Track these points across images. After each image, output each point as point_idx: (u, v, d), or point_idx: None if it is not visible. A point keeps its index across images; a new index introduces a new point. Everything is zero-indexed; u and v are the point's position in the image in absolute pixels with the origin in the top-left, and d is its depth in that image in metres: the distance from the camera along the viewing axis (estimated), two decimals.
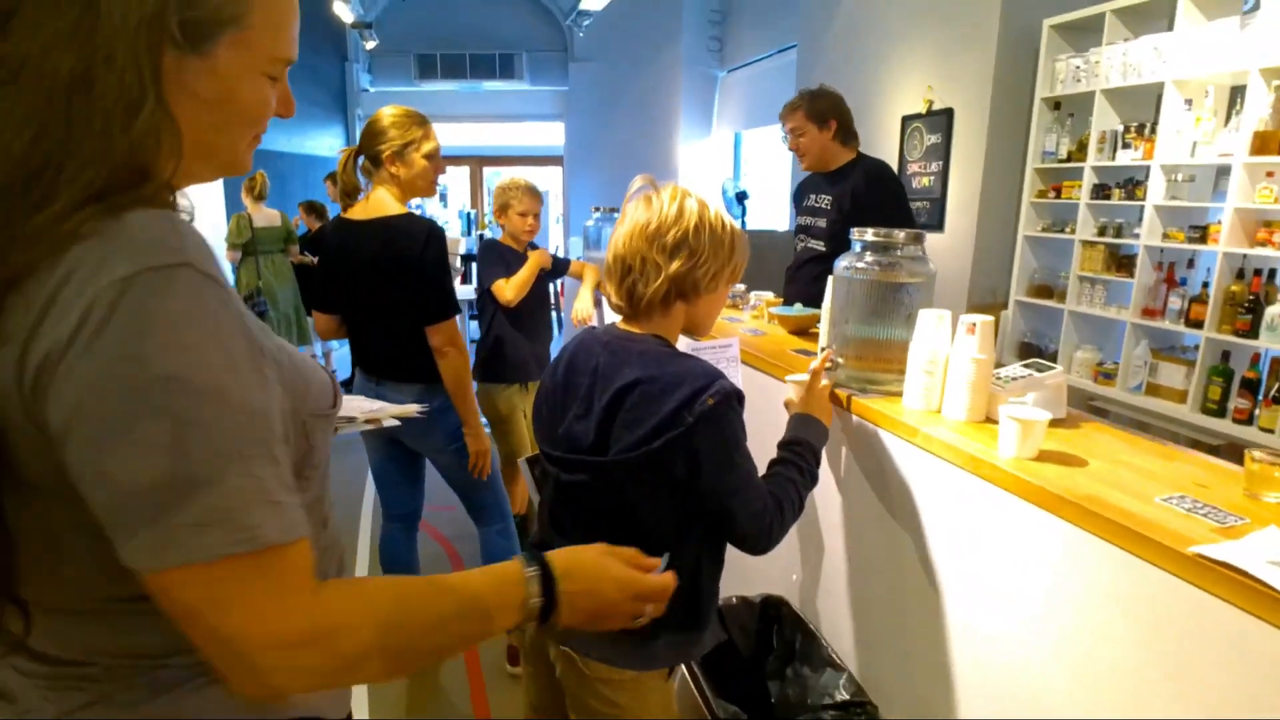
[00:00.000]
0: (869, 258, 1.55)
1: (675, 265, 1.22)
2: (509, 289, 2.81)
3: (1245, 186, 3.42)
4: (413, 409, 1.47)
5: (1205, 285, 3.69)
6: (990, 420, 1.38)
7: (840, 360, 1.58)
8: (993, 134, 4.61)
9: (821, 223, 2.69)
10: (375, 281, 2.07)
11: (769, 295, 2.64)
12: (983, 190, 4.70)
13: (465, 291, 5.16)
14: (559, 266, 3.11)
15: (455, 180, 10.08)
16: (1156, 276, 3.95)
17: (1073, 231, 4.29)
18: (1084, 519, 1.03)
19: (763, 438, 1.55)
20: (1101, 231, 4.17)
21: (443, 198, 9.73)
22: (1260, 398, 3.51)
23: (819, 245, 2.71)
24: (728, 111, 8.64)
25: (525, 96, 9.48)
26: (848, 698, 1.53)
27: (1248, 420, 3.55)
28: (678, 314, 1.29)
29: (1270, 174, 3.36)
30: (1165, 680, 0.95)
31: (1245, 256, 3.53)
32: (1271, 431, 3.42)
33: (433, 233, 2.04)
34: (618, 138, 8.83)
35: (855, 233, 1.57)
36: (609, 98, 8.85)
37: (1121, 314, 4.08)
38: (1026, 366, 1.43)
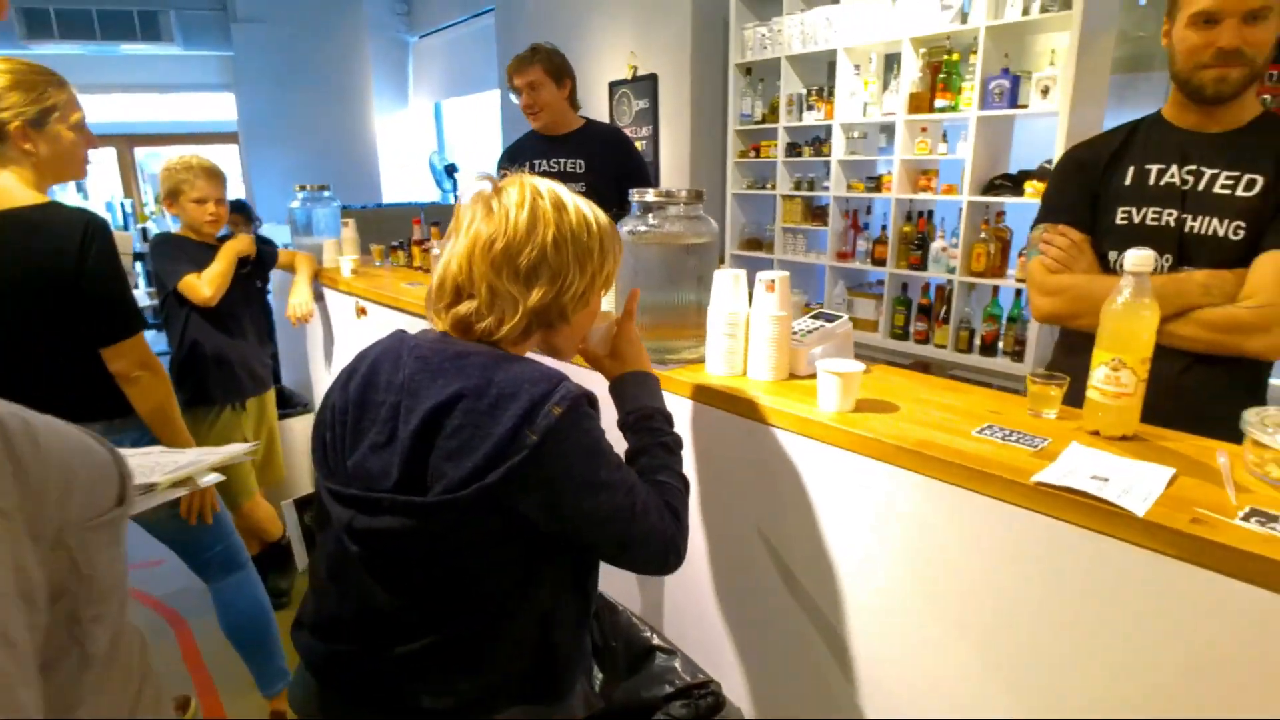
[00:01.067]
0: (651, 220, 1.45)
1: (536, 296, 0.97)
2: (204, 284, 2.28)
3: (906, 141, 3.95)
4: (240, 449, 1.07)
5: (884, 228, 4.23)
6: (794, 377, 1.37)
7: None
8: (695, 98, 4.83)
9: (578, 187, 2.57)
10: (7, 300, 1.52)
11: None
12: (692, 153, 4.93)
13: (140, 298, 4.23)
14: (264, 256, 2.62)
15: (98, 164, 8.24)
16: (845, 224, 4.46)
17: (773, 188, 4.68)
18: (923, 465, 1.04)
19: None
20: (797, 186, 4.59)
21: (80, 187, 7.95)
22: (933, 320, 4.14)
23: None
24: (425, 80, 8.12)
25: (180, 63, 8.01)
26: (688, 681, 1.46)
27: (925, 340, 4.18)
28: (534, 343, 1.05)
29: (924, 129, 3.91)
30: (1033, 611, 0.99)
31: (911, 201, 4.11)
32: (944, 347, 4.05)
33: (92, 227, 1.54)
34: (304, 110, 7.87)
35: (635, 194, 1.46)
36: (287, 66, 7.82)
37: (820, 259, 4.55)
38: (815, 318, 1.44)
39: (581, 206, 1.03)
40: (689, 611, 1.54)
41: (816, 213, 4.63)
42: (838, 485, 1.18)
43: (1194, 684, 0.84)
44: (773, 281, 1.30)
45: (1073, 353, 1.48)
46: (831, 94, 4.23)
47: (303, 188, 3.06)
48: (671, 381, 1.41)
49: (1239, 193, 1.35)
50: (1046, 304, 1.51)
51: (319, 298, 2.93)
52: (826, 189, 4.40)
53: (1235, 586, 0.79)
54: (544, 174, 2.35)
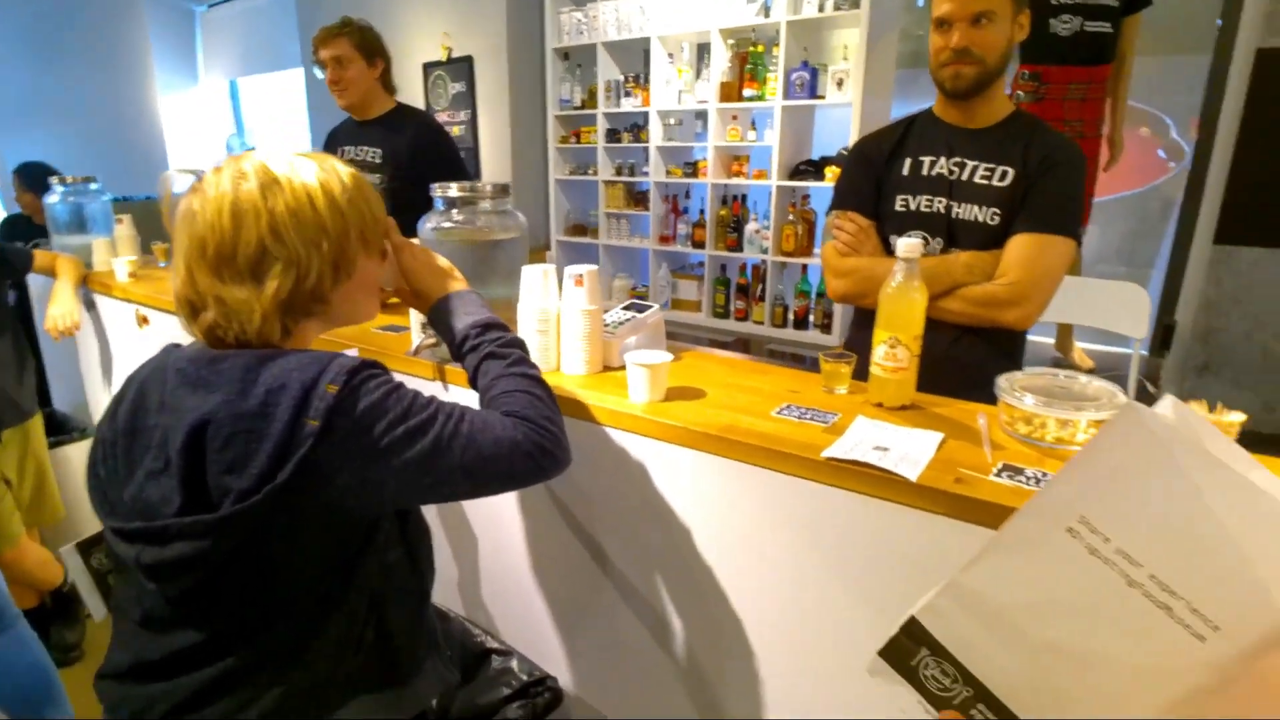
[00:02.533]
0: (456, 215, 1.40)
1: (271, 291, 0.87)
2: None
3: (719, 128, 4.11)
4: None
5: (702, 212, 4.39)
6: (608, 369, 1.38)
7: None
8: (514, 82, 4.75)
9: (374, 179, 2.43)
10: None
11: None
12: (512, 138, 4.84)
13: None
14: (14, 259, 2.27)
15: None
16: (665, 208, 4.58)
17: (595, 173, 4.71)
18: (728, 449, 1.09)
19: None
20: (618, 171, 4.65)
21: None
22: (750, 298, 4.36)
23: None
24: (218, 56, 7.38)
25: None
26: (525, 679, 1.45)
27: (745, 317, 4.40)
28: (314, 326, 0.96)
29: (735, 117, 4.08)
30: (832, 576, 1.06)
31: (726, 186, 4.29)
32: (761, 323, 4.29)
33: None
34: (72, 88, 6.89)
35: (437, 188, 1.41)
36: (42, 35, 6.80)
37: (644, 243, 4.65)
38: (627, 309, 1.46)
39: (303, 175, 0.91)
40: (518, 610, 1.52)
41: (638, 198, 4.71)
42: (651, 473, 1.20)
43: None
44: (581, 276, 1.30)
45: (864, 328, 1.60)
46: (647, 81, 4.31)
47: (62, 180, 2.68)
48: None
49: (995, 183, 1.51)
50: (839, 285, 1.62)
51: (89, 306, 2.59)
52: (647, 174, 4.49)
53: (990, 535, 0.88)
54: (349, 162, 2.20)
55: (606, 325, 1.41)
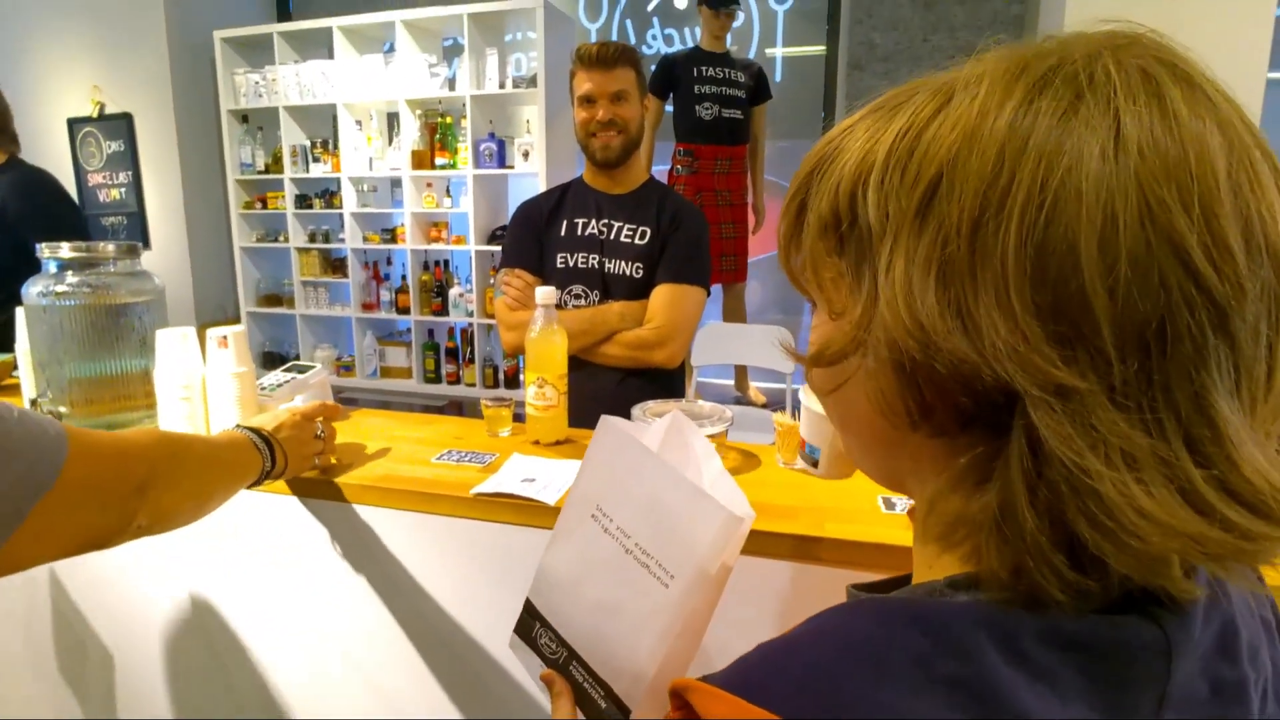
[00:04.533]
0: (71, 279, 1.26)
1: None
2: None
3: (414, 195, 4.13)
4: None
5: (404, 278, 4.35)
6: None
7: (64, 409, 1.26)
8: (184, 143, 4.36)
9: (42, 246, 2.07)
10: None
11: None
12: (186, 202, 4.42)
13: None
14: None
15: None
16: (366, 275, 4.46)
17: (286, 240, 4.45)
18: (385, 498, 1.09)
19: None
20: (312, 238, 4.45)
21: None
22: (461, 361, 4.38)
23: None
24: None
25: None
26: None
27: (457, 380, 4.39)
28: None
29: (430, 184, 4.13)
30: (485, 607, 1.10)
31: (426, 251, 4.30)
32: (474, 385, 4.32)
33: None
34: None
35: (46, 249, 1.26)
36: None
37: (346, 311, 4.47)
38: (287, 371, 1.42)
39: None
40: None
41: (336, 265, 4.54)
42: (315, 533, 1.17)
43: None
44: (225, 337, 1.24)
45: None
46: (336, 147, 4.21)
47: None
48: None
49: (636, 241, 1.73)
50: (511, 337, 1.72)
51: None
52: (343, 240, 4.35)
53: None
54: None
55: (264, 388, 1.35)
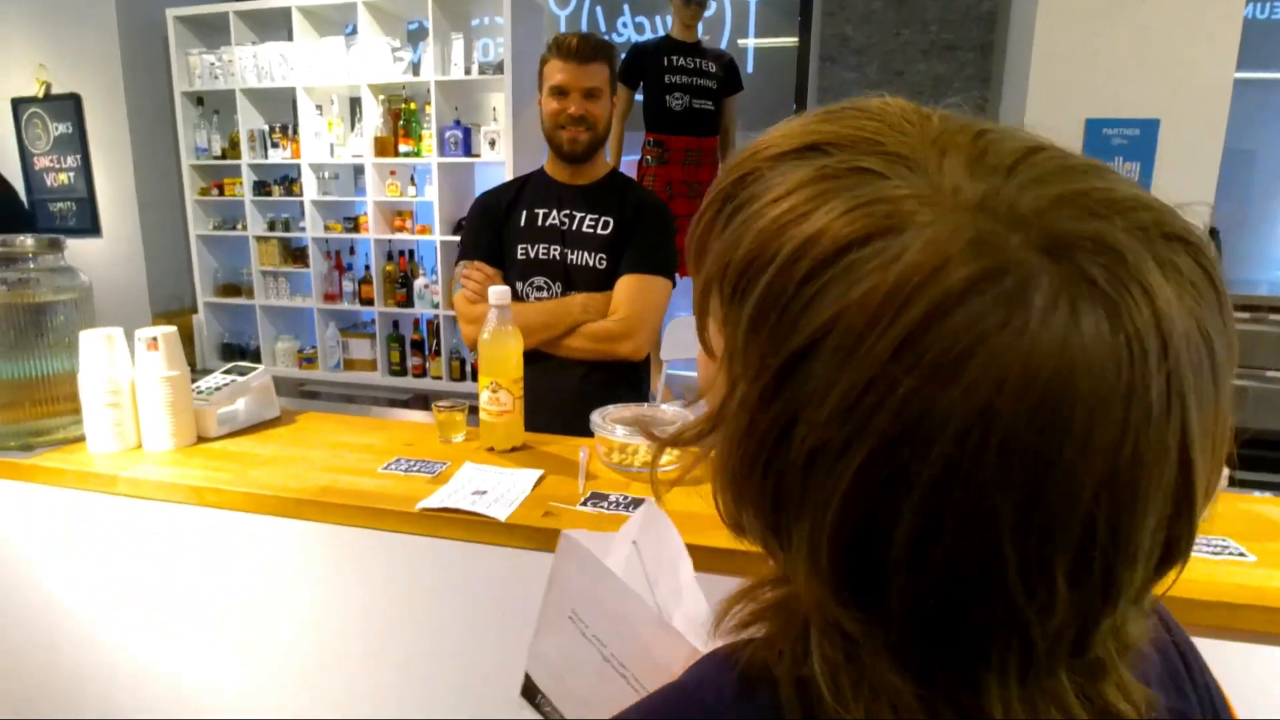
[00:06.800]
0: None
1: None
2: None
3: (377, 183, 4.01)
4: None
5: (368, 268, 4.23)
6: (204, 440, 1.25)
7: None
8: (135, 127, 4.18)
9: None
10: None
11: None
12: (138, 188, 4.25)
13: None
14: None
15: None
16: (328, 264, 4.33)
17: (245, 228, 4.31)
18: (323, 512, 1.03)
19: None
20: (271, 227, 4.31)
21: None
22: (427, 353, 4.28)
23: None
24: None
25: None
26: None
27: (423, 373, 4.30)
28: None
29: (393, 172, 4.02)
30: (433, 625, 1.04)
31: (390, 241, 4.18)
32: (440, 378, 4.22)
33: None
34: None
35: None
36: None
37: (308, 302, 4.34)
38: (228, 373, 1.34)
39: None
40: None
41: (296, 254, 4.40)
42: (239, 550, 1.10)
43: None
44: (155, 339, 1.16)
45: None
46: (296, 132, 4.07)
47: None
48: (43, 471, 1.16)
49: (599, 231, 1.67)
50: (470, 330, 1.66)
51: None
52: (304, 229, 4.22)
53: None
54: None
55: (200, 391, 1.27)
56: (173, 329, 1.19)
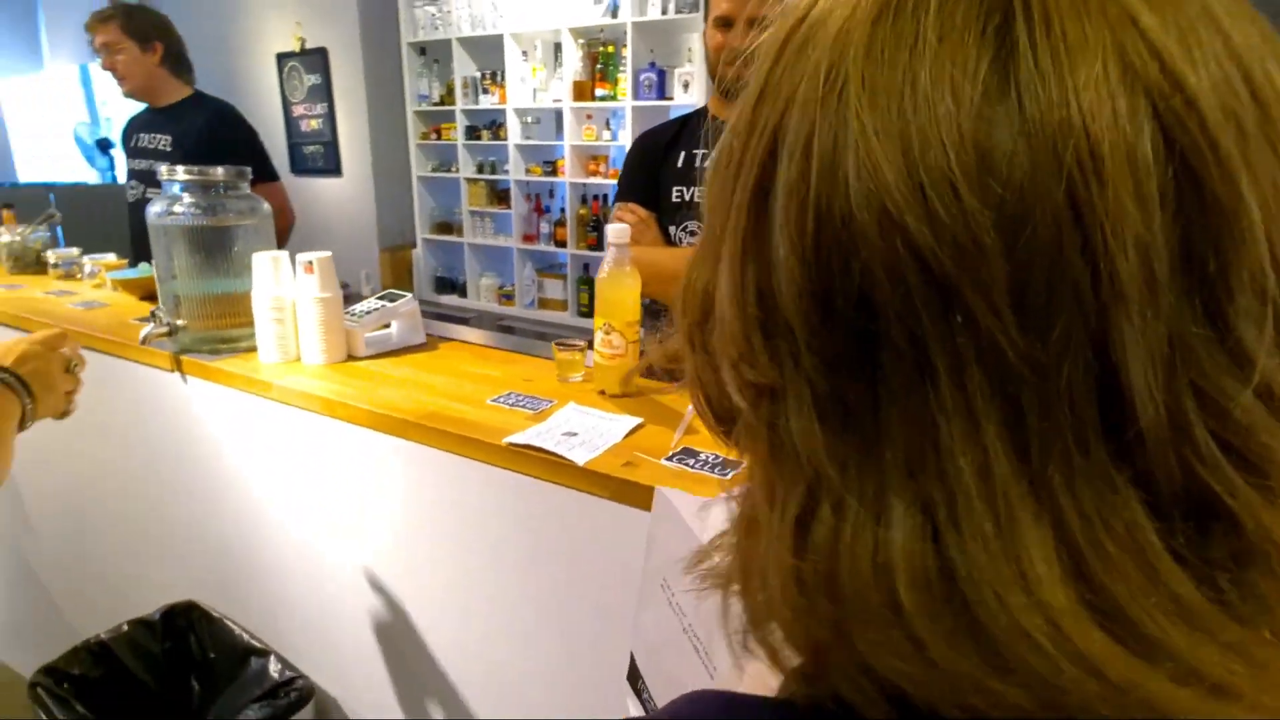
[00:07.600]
0: (187, 201, 1.34)
1: None
2: None
3: (574, 127, 4.11)
4: None
5: (563, 211, 4.39)
6: (353, 358, 1.36)
7: (180, 322, 1.36)
8: (370, 76, 4.62)
9: (162, 166, 2.30)
10: None
11: (110, 258, 2.16)
12: (371, 133, 4.71)
13: None
14: None
15: None
16: (528, 207, 4.55)
17: (457, 171, 4.63)
18: (424, 435, 1.07)
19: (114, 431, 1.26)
20: (480, 169, 4.59)
21: None
22: None
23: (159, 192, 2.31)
24: (64, 39, 6.86)
25: None
26: (277, 679, 1.41)
27: None
28: None
29: (590, 116, 4.09)
30: (512, 556, 1.07)
31: (585, 185, 4.29)
32: None
33: None
34: None
35: (164, 171, 1.34)
36: None
37: (509, 242, 4.61)
38: (380, 299, 1.44)
39: None
40: (280, 610, 1.47)
41: (501, 196, 4.66)
42: (365, 464, 1.19)
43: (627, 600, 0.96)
44: (311, 263, 1.27)
45: (655, 315, 1.64)
46: (503, 78, 4.27)
47: None
48: (214, 371, 1.32)
49: None
50: None
51: None
52: (508, 172, 4.45)
53: (640, 514, 0.91)
54: (140, 150, 2.04)
55: (352, 313, 1.38)
56: (327, 254, 1.29)
